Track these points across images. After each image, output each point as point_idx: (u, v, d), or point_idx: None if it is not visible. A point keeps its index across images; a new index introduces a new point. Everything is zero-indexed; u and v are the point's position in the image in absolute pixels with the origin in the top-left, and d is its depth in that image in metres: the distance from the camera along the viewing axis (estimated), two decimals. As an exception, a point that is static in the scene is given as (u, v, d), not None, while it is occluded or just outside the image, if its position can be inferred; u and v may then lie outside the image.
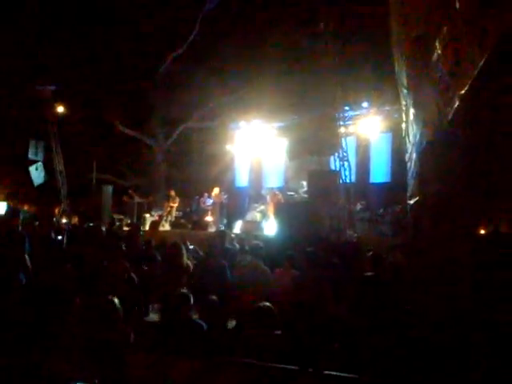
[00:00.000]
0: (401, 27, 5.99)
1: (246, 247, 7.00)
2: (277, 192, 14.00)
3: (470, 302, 3.42)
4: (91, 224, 9.56)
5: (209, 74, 16.86)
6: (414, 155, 6.60)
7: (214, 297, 4.50)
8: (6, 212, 14.45)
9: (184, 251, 6.03)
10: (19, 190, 18.81)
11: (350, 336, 3.91)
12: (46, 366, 2.06)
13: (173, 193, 15.26)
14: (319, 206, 9.59)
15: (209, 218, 14.49)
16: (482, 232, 8.71)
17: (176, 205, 15.14)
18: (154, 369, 3.03)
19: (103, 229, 7.53)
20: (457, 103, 3.56)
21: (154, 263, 6.26)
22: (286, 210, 10.17)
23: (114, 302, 3.58)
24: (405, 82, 6.10)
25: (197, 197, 15.94)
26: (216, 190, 14.77)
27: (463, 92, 3.45)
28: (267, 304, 3.99)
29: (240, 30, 16.24)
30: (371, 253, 6.44)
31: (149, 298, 5.50)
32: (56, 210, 16.80)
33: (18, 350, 2.74)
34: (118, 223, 13.61)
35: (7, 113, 17.78)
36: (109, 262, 5.60)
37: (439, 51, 3.75)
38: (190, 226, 14.65)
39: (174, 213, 15.20)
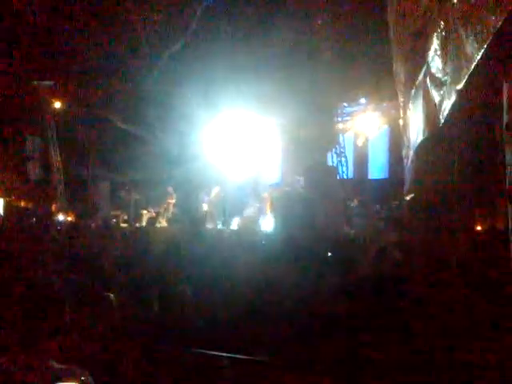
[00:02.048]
0: (399, 23, 6.00)
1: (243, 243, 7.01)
2: (272, 189, 14.02)
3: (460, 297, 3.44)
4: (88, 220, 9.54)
5: (206, 70, 16.81)
6: (411, 151, 6.63)
7: None
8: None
9: None
10: (16, 186, 18.76)
11: (352, 334, 3.91)
12: (35, 361, 2.06)
13: (170, 189, 15.25)
14: (316, 201, 9.60)
15: (207, 214, 14.47)
16: (479, 228, 8.73)
17: (173, 201, 15.13)
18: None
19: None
20: (454, 98, 3.57)
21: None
22: (283, 206, 10.18)
23: (109, 297, 3.58)
24: (403, 78, 6.11)
25: (195, 193, 15.92)
26: (214, 187, 14.77)
27: (460, 87, 3.45)
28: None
29: (237, 26, 16.19)
30: (372, 248, 6.44)
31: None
32: (53, 207, 16.77)
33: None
34: (114, 219, 13.59)
35: (4, 108, 17.72)
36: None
37: (436, 46, 3.75)
38: (187, 222, 14.62)
39: (172, 209, 15.18)
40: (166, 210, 14.99)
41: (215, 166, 17.76)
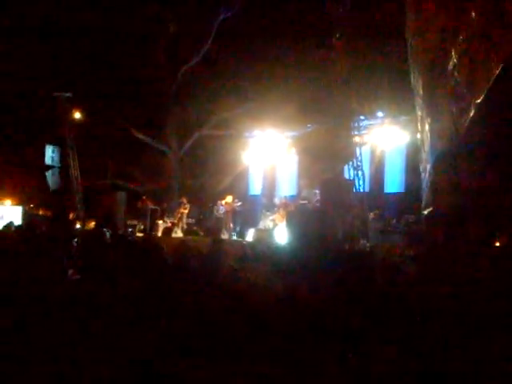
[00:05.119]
0: (417, 37, 6.00)
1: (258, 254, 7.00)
2: (288, 202, 14.00)
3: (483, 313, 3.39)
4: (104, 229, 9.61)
5: (224, 84, 16.96)
6: (429, 166, 6.58)
7: None
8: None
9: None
10: (35, 194, 19.02)
11: (364, 345, 3.89)
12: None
13: (185, 199, 15.32)
14: (332, 214, 9.55)
15: (221, 225, 14.50)
16: (497, 244, 8.59)
17: (186, 211, 15.18)
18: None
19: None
20: (472, 112, 3.54)
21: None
22: (298, 218, 10.15)
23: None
24: (421, 91, 6.09)
25: (210, 204, 15.97)
26: (229, 198, 14.79)
27: (479, 101, 3.42)
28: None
29: (254, 40, 16.31)
30: (386, 263, 6.38)
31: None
32: (70, 215, 16.95)
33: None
34: (130, 229, 13.70)
35: (25, 118, 18.04)
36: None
37: (455, 60, 3.74)
38: (202, 233, 14.68)
39: (185, 219, 15.23)
40: (180, 219, 15.05)
41: (231, 177, 17.86)
